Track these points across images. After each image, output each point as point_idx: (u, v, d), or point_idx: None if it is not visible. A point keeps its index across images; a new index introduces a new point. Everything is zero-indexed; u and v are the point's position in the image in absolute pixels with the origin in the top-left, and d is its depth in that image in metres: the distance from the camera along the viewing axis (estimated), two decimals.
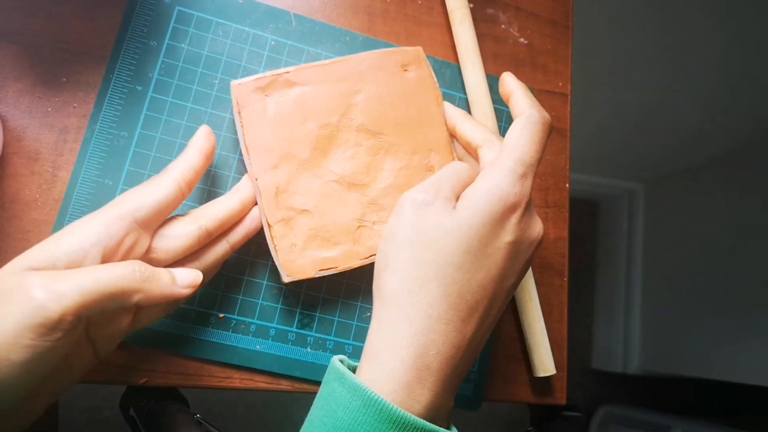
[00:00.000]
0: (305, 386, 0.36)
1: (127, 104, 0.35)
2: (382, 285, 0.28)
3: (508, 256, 0.28)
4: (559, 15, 0.45)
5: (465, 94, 0.41)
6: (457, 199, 0.29)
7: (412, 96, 0.36)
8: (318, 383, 0.36)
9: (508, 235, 0.28)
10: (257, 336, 0.35)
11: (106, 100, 0.35)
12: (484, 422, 1.25)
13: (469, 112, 0.41)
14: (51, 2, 0.35)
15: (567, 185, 0.43)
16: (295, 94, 0.35)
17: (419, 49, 0.37)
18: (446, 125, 0.37)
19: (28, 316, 0.22)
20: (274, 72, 0.35)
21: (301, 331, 0.36)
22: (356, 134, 0.35)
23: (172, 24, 0.37)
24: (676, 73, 0.94)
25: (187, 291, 0.28)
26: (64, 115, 0.35)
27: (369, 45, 0.40)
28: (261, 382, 0.35)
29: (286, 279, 0.33)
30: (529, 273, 0.40)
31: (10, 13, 0.35)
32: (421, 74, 0.37)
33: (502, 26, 0.44)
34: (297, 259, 0.33)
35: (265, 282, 0.36)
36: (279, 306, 0.36)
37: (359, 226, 0.34)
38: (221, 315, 0.35)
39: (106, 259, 0.27)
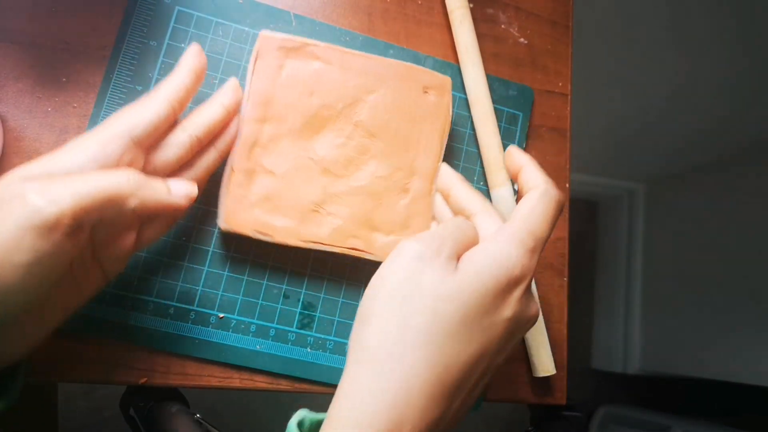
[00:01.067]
0: (305, 386, 0.36)
1: (127, 104, 0.35)
2: (363, 339, 0.25)
3: (504, 332, 0.26)
4: (559, 15, 0.45)
5: (465, 94, 0.41)
6: (458, 259, 0.27)
7: (421, 118, 0.37)
8: (318, 383, 0.36)
9: (508, 310, 0.26)
10: (257, 336, 0.35)
11: (106, 100, 0.35)
12: (484, 422, 1.25)
13: (469, 113, 0.41)
14: (51, 2, 0.35)
15: (567, 185, 0.43)
16: (314, 67, 0.35)
17: (449, 80, 0.38)
18: (438, 162, 0.36)
19: (25, 219, 0.23)
20: (304, 40, 0.35)
21: (301, 332, 0.36)
22: (353, 128, 0.35)
23: (172, 24, 0.37)
24: (676, 74, 0.94)
25: (182, 201, 0.28)
26: (64, 115, 0.35)
27: (369, 45, 0.40)
28: (261, 382, 0.35)
29: (222, 225, 0.33)
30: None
31: (10, 13, 0.35)
32: (439, 102, 0.37)
33: (502, 26, 0.44)
34: (241, 212, 0.33)
35: (265, 282, 0.36)
36: (279, 306, 0.36)
37: (313, 210, 0.34)
38: (221, 315, 0.35)
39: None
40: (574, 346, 0.41)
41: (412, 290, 0.25)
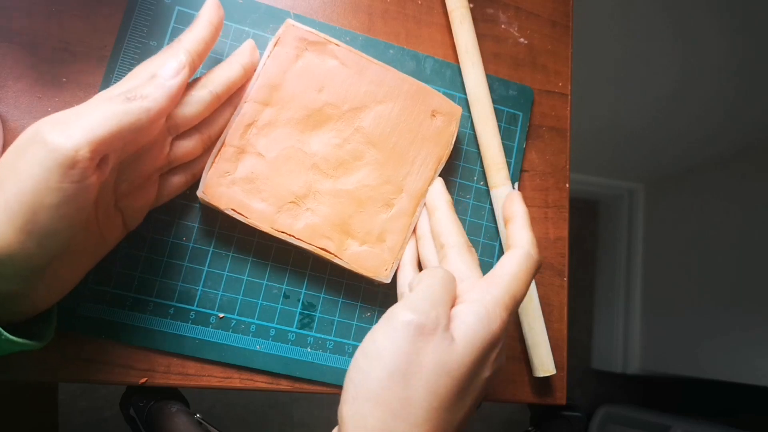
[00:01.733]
0: (305, 386, 0.36)
1: None
2: (362, 416, 0.24)
3: (483, 389, 0.27)
4: (559, 15, 0.45)
5: (465, 94, 0.41)
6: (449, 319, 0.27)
7: (422, 140, 0.37)
8: (318, 383, 0.36)
9: (487, 370, 0.27)
10: (257, 336, 0.35)
11: None
12: (484, 422, 1.25)
13: (469, 112, 0.41)
14: (51, 2, 0.35)
15: (567, 185, 0.43)
16: (330, 65, 0.35)
17: (459, 109, 0.38)
18: (428, 185, 0.37)
19: (48, 160, 0.24)
20: (328, 37, 0.35)
21: (301, 332, 0.36)
22: (353, 132, 0.35)
23: (172, 24, 0.37)
24: (676, 74, 0.94)
25: (178, 78, 0.28)
26: None
27: (369, 45, 0.40)
28: (261, 382, 0.35)
29: (200, 194, 0.33)
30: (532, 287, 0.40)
31: (10, 13, 0.35)
32: (444, 129, 0.37)
33: (502, 26, 0.44)
34: (222, 186, 0.33)
35: (265, 282, 0.36)
36: (279, 306, 0.36)
37: (293, 202, 0.34)
38: (221, 315, 0.35)
39: (127, 141, 0.28)
40: (574, 346, 0.41)
41: (413, 368, 0.25)
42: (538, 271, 0.31)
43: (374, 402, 0.24)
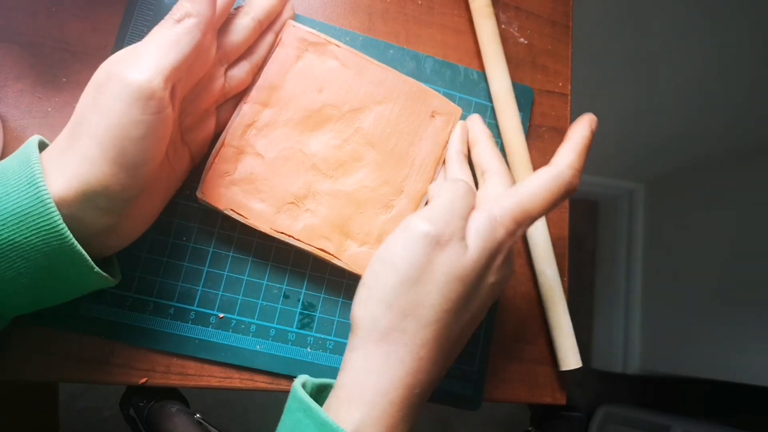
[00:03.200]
0: None
1: None
2: (375, 316, 0.27)
3: (490, 295, 0.29)
4: (559, 15, 0.45)
5: (463, 93, 0.41)
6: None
7: (421, 140, 0.37)
8: None
9: (492, 276, 0.28)
10: (257, 336, 0.35)
11: None
12: (484, 422, 1.25)
13: (493, 115, 0.41)
14: (51, 2, 0.35)
15: None
16: (330, 66, 0.35)
17: (459, 110, 0.38)
18: (428, 186, 0.37)
19: (128, 95, 0.25)
20: (328, 38, 0.36)
21: (301, 332, 0.36)
22: (352, 133, 0.35)
23: None
24: (676, 73, 0.94)
25: (213, 1, 0.29)
26: (64, 115, 0.35)
27: (369, 45, 0.40)
28: (261, 382, 0.35)
29: (199, 195, 0.33)
30: (554, 265, 0.40)
31: (10, 13, 0.35)
32: (443, 130, 0.37)
33: (502, 26, 0.44)
34: (221, 187, 0.33)
35: (265, 282, 0.36)
36: (279, 306, 0.36)
37: (292, 202, 0.34)
38: (221, 315, 0.35)
39: (192, 67, 0.30)
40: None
41: (425, 275, 0.26)
42: (570, 194, 0.30)
43: (386, 304, 0.26)
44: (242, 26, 0.33)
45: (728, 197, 1.13)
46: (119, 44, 0.36)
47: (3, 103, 0.34)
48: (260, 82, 0.34)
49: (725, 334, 1.09)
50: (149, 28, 0.36)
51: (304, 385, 0.28)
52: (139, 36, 0.36)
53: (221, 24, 0.33)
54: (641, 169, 1.32)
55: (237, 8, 0.34)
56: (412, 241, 0.27)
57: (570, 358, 0.39)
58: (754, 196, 1.06)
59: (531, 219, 0.29)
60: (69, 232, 0.25)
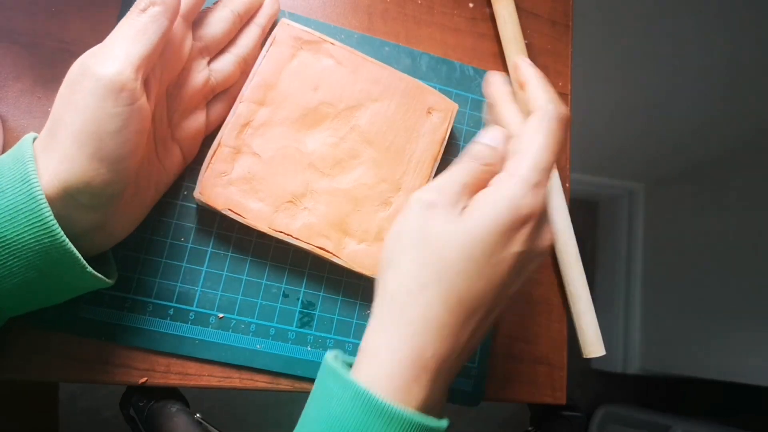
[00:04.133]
0: (305, 385, 0.36)
1: None
2: (385, 284, 0.28)
3: (513, 266, 0.28)
4: (559, 15, 0.45)
5: (459, 89, 0.41)
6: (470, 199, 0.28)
7: (418, 136, 0.37)
8: None
9: (516, 245, 0.27)
10: (257, 335, 0.35)
11: None
12: (484, 422, 1.25)
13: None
14: (51, 2, 0.35)
15: (567, 185, 0.43)
16: (325, 64, 0.36)
17: (456, 106, 0.38)
18: (426, 183, 0.37)
19: (99, 89, 0.25)
20: (323, 36, 0.36)
21: (301, 330, 0.36)
22: (349, 130, 0.35)
23: None
24: (676, 73, 0.94)
25: None
26: None
27: (365, 42, 0.40)
28: (261, 382, 0.35)
29: (197, 195, 0.33)
30: (575, 253, 0.40)
31: (10, 13, 0.35)
32: (440, 126, 0.37)
33: None
34: (218, 187, 0.33)
35: (264, 281, 0.36)
36: (278, 305, 0.36)
37: (289, 201, 0.34)
38: (221, 315, 0.35)
39: (166, 57, 0.30)
40: (574, 346, 0.41)
41: (422, 237, 0.27)
42: (567, 123, 0.29)
43: (393, 270, 0.27)
44: (220, 18, 0.34)
45: (728, 197, 1.13)
46: None
47: (3, 103, 0.34)
48: (255, 80, 0.34)
49: (725, 334, 1.09)
50: None
51: (335, 358, 0.28)
52: None
53: (196, 15, 0.33)
54: (641, 169, 1.32)
55: (216, 2, 0.35)
56: (411, 211, 0.28)
57: (594, 345, 0.39)
58: (754, 196, 1.06)
59: (546, 171, 0.28)
60: (60, 229, 0.25)
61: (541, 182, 0.28)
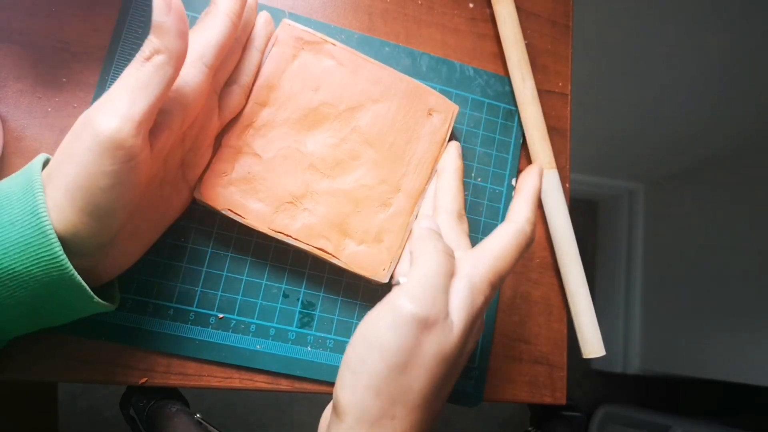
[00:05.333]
0: (305, 386, 0.36)
1: None
2: (364, 404, 0.25)
3: (466, 360, 0.29)
4: (559, 15, 0.45)
5: (459, 90, 0.41)
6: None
7: (419, 138, 0.37)
8: (319, 382, 0.36)
9: (470, 343, 0.29)
10: (257, 336, 0.35)
11: None
12: (484, 422, 1.25)
13: (513, 96, 0.41)
14: (51, 2, 0.35)
15: (567, 185, 0.43)
16: (326, 65, 0.35)
17: (456, 108, 0.38)
18: (426, 184, 0.37)
19: (98, 146, 0.25)
20: (324, 37, 0.36)
21: (301, 330, 0.36)
22: (349, 131, 0.35)
23: None
24: (676, 73, 0.94)
25: (173, 16, 0.26)
26: (64, 115, 0.35)
27: (364, 42, 0.40)
28: (261, 382, 0.35)
29: (197, 195, 0.33)
30: (575, 252, 0.40)
31: (10, 13, 0.35)
32: (440, 128, 0.37)
33: None
34: (218, 187, 0.33)
35: (264, 282, 0.36)
36: (278, 305, 0.36)
37: (290, 202, 0.34)
38: (221, 315, 0.35)
39: (189, 109, 0.29)
40: (574, 346, 0.41)
41: (414, 359, 0.25)
42: (529, 247, 0.31)
43: (375, 392, 0.25)
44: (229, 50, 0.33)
45: (728, 197, 1.13)
46: (115, 45, 0.36)
47: (3, 103, 0.34)
48: (259, 81, 0.34)
49: (725, 334, 1.09)
50: (144, 30, 0.36)
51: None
52: (134, 36, 0.36)
53: (225, 64, 0.32)
54: (641, 169, 1.32)
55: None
56: (401, 324, 0.25)
57: (594, 345, 0.39)
58: (754, 195, 1.06)
59: (502, 280, 0.29)
60: (70, 264, 0.25)
61: (496, 286, 0.29)
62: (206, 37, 0.29)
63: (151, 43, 0.26)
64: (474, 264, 0.29)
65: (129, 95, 0.25)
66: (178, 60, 0.27)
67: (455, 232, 0.33)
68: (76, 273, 0.25)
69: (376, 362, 0.25)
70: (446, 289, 0.27)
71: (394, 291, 0.27)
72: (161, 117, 0.28)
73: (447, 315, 0.26)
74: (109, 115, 0.25)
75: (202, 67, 0.29)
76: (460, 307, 0.27)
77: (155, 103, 0.26)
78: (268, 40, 0.35)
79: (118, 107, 0.25)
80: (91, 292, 0.27)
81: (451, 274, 0.28)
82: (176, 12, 0.26)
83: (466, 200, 0.40)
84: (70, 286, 0.26)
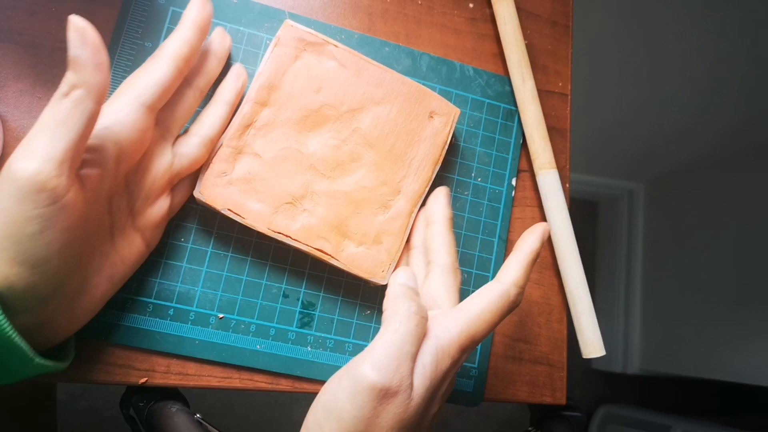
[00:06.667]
0: (305, 386, 0.36)
1: None
2: None
3: (430, 423, 0.28)
4: (559, 15, 0.45)
5: (459, 90, 0.41)
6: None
7: (420, 141, 0.37)
8: (319, 382, 0.36)
9: (435, 407, 0.27)
10: (257, 336, 0.35)
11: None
12: (484, 422, 1.25)
13: (513, 97, 0.41)
14: (51, 2, 0.35)
15: (567, 185, 0.43)
16: (328, 66, 0.35)
17: (458, 111, 0.38)
18: (426, 187, 0.37)
19: (17, 191, 0.23)
20: (326, 38, 0.35)
21: (301, 330, 0.36)
22: (350, 133, 0.35)
23: (166, 25, 0.37)
24: (676, 73, 0.94)
25: (90, 48, 0.25)
26: None
27: (364, 43, 0.40)
28: (261, 382, 0.35)
29: (197, 194, 0.33)
30: (575, 252, 0.40)
31: (10, 13, 0.35)
32: (441, 131, 0.37)
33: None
34: (218, 186, 0.33)
35: (264, 282, 0.36)
36: (278, 305, 0.36)
37: (289, 202, 0.34)
38: (221, 315, 0.35)
39: (124, 148, 0.28)
40: (574, 346, 0.41)
41: (370, 428, 0.25)
42: (512, 311, 0.29)
43: None
44: (183, 96, 0.32)
45: (728, 197, 1.13)
46: (115, 45, 0.36)
47: (3, 103, 0.34)
48: (260, 81, 0.34)
49: (725, 334, 1.09)
50: (144, 30, 0.36)
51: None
52: (134, 36, 0.36)
53: (165, 101, 0.30)
54: (641, 169, 1.32)
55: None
56: (360, 393, 0.25)
57: (594, 345, 0.39)
58: (753, 196, 1.06)
59: (476, 344, 0.28)
60: (9, 325, 0.24)
61: (469, 349, 0.28)
62: (146, 78, 0.29)
63: (68, 78, 0.25)
64: (446, 326, 0.28)
65: (47, 134, 0.24)
66: (99, 93, 0.25)
67: (446, 288, 0.32)
68: (11, 329, 0.24)
69: (333, 429, 0.25)
70: (412, 357, 0.26)
71: (359, 356, 0.27)
72: (91, 154, 0.26)
73: (410, 385, 0.26)
74: (26, 158, 0.23)
75: (139, 106, 0.28)
76: (422, 372, 0.26)
77: (78, 140, 0.24)
78: (239, 94, 0.34)
79: (36, 148, 0.23)
80: (31, 352, 0.25)
81: (420, 339, 0.27)
82: (92, 44, 0.25)
83: (466, 200, 0.40)
84: (8, 346, 0.24)
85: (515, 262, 0.30)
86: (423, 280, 0.34)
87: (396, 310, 0.28)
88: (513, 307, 0.29)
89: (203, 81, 0.33)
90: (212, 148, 0.33)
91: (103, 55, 0.25)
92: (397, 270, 0.32)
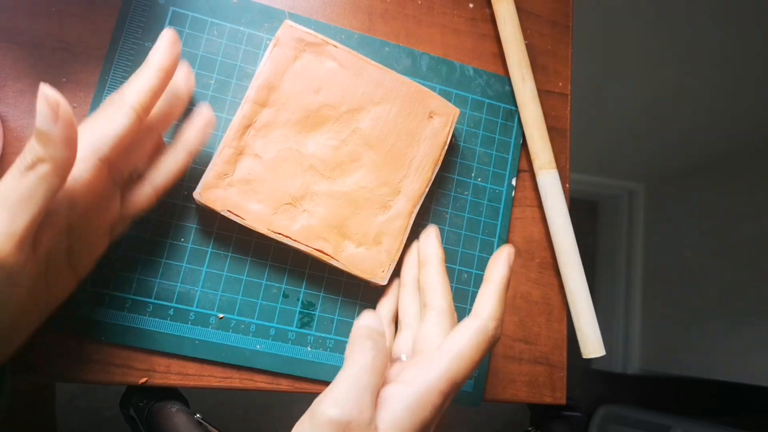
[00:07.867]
0: (305, 386, 0.36)
1: None
2: None
3: None
4: (559, 15, 0.45)
5: (459, 90, 0.41)
6: (377, 399, 0.26)
7: (419, 141, 0.37)
8: (319, 382, 0.36)
9: None
10: (257, 336, 0.35)
11: (102, 101, 0.35)
12: (484, 422, 1.25)
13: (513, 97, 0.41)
14: (51, 2, 0.35)
15: (567, 185, 0.43)
16: (328, 66, 0.35)
17: (457, 111, 0.38)
18: (427, 187, 0.37)
19: None
20: (326, 38, 0.35)
21: (301, 330, 0.36)
22: (350, 133, 0.35)
23: (167, 25, 0.37)
24: (676, 73, 0.94)
25: (69, 142, 0.24)
26: None
27: (364, 42, 0.40)
28: (261, 382, 0.35)
29: (197, 196, 0.33)
30: (575, 252, 0.40)
31: (10, 13, 0.35)
32: (441, 131, 0.37)
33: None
34: (219, 188, 0.33)
35: (264, 282, 0.36)
36: (278, 305, 0.36)
37: (289, 203, 0.34)
38: (221, 315, 0.35)
39: (77, 204, 0.27)
40: (574, 346, 0.41)
41: None
42: (493, 346, 0.28)
43: None
44: (136, 141, 0.30)
45: (728, 197, 1.13)
46: (115, 45, 0.36)
47: (3, 103, 0.34)
48: (259, 82, 0.34)
49: (725, 334, 1.09)
50: (144, 30, 0.36)
51: None
52: (134, 36, 0.36)
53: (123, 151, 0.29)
54: (641, 169, 1.32)
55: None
56: (319, 429, 0.24)
57: (594, 345, 0.39)
58: (753, 195, 1.06)
59: (459, 387, 0.27)
60: None
61: (450, 393, 0.27)
62: (105, 129, 0.27)
63: (33, 150, 0.23)
64: (426, 371, 0.27)
65: (8, 212, 0.23)
66: (66, 169, 0.24)
67: (443, 331, 0.30)
68: None
69: None
70: (372, 389, 0.26)
71: (320, 396, 0.26)
72: (45, 218, 0.25)
73: (370, 420, 0.25)
74: None
75: (96, 161, 0.27)
76: (395, 415, 0.25)
77: (38, 215, 0.23)
78: (202, 143, 0.33)
79: None
80: None
81: (380, 371, 0.26)
82: (63, 119, 0.23)
83: (466, 200, 0.40)
84: None
85: (488, 295, 0.29)
86: (417, 323, 0.33)
87: (354, 350, 0.27)
88: (494, 342, 0.28)
89: (163, 126, 0.32)
90: (160, 196, 0.32)
91: (74, 130, 0.24)
92: (362, 313, 0.31)
